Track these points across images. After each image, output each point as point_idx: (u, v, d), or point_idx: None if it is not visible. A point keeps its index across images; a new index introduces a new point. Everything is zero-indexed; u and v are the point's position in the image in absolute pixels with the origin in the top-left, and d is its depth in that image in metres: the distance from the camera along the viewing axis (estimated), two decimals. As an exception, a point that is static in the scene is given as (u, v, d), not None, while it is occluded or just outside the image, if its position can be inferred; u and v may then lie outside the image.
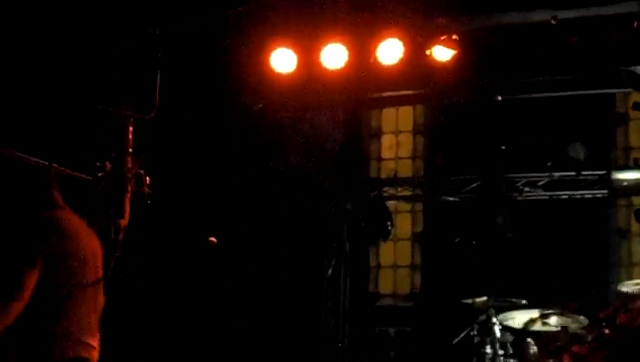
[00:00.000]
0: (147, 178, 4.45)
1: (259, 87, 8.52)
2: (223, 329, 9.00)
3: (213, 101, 8.57)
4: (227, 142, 8.92)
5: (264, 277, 9.36)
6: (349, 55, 7.89)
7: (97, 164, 4.10)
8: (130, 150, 4.56)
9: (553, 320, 8.09)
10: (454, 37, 7.26)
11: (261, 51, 8.07)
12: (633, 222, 9.62)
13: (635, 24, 6.85)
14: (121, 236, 4.24)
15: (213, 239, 4.70)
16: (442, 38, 7.18)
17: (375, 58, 7.83)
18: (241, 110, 8.84)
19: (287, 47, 7.96)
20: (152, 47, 5.48)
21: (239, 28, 7.98)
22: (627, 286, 8.15)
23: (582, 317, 7.95)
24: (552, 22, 7.10)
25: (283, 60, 8.03)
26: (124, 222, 4.30)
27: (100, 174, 4.08)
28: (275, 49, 7.98)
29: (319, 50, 7.90)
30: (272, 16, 7.90)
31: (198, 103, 8.46)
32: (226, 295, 9.08)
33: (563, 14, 7.25)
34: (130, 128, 4.71)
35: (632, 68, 6.64)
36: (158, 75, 5.25)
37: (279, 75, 8.12)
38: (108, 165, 4.15)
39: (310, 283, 9.99)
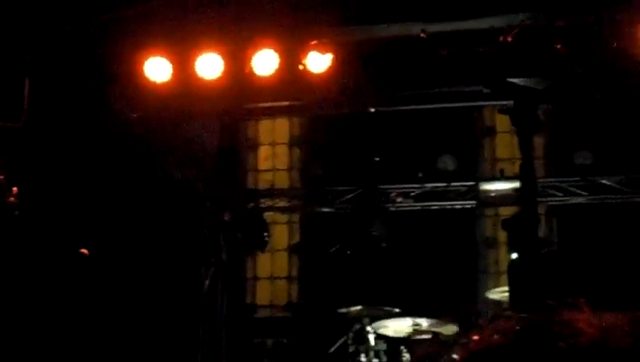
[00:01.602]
0: (13, 188, 4.33)
1: (134, 96, 8.40)
2: (96, 343, 8.78)
3: (89, 109, 8.40)
4: (102, 151, 8.75)
5: (140, 289, 9.20)
6: (225, 65, 7.89)
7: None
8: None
9: (425, 327, 8.27)
10: (325, 41, 7.36)
11: (136, 60, 7.98)
12: (500, 231, 9.95)
13: (502, 39, 7.12)
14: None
15: (84, 251, 4.60)
16: (313, 42, 7.27)
17: (250, 68, 7.86)
18: (117, 119, 8.69)
19: (162, 56, 7.89)
20: (20, 50, 5.34)
21: (115, 35, 7.86)
22: (495, 294, 8.43)
23: (452, 323, 8.16)
24: (422, 35, 7.30)
25: (158, 69, 7.95)
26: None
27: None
28: (149, 58, 7.90)
29: (194, 59, 7.87)
30: (147, 25, 7.82)
31: (74, 111, 8.28)
32: (100, 307, 8.88)
33: (434, 28, 7.46)
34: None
35: (500, 81, 6.88)
36: (27, 81, 5.11)
37: (154, 84, 8.04)
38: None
39: (187, 295, 9.88)
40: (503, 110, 5.81)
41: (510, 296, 5.75)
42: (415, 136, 10.22)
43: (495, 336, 1.50)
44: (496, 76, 6.54)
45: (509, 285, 5.20)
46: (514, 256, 5.92)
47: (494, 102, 8.02)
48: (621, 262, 6.38)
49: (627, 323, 1.50)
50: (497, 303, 8.25)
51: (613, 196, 9.67)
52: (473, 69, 7.35)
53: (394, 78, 7.98)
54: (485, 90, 7.04)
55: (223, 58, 7.88)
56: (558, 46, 6.18)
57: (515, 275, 4.75)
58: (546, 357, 1.42)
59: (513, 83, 4.64)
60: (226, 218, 10.36)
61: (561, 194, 9.96)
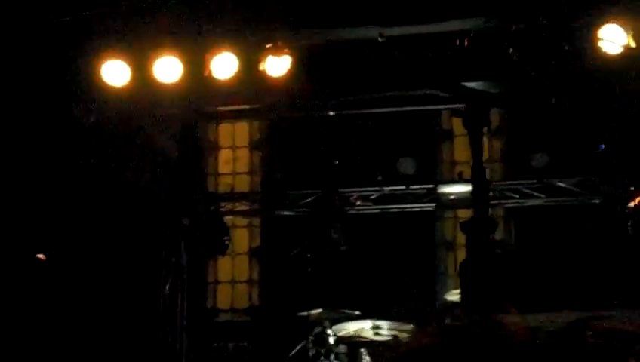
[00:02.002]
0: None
1: (93, 99, 8.35)
2: (57, 348, 8.71)
3: (47, 113, 8.34)
4: (60, 156, 8.68)
5: (99, 294, 9.14)
6: (184, 68, 7.88)
7: None
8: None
9: (385, 329, 8.32)
10: (284, 44, 7.38)
11: (94, 63, 7.93)
12: (459, 234, 10.04)
13: (458, 42, 7.20)
14: None
15: (41, 256, 4.57)
16: (271, 46, 7.29)
17: (209, 72, 7.86)
18: (75, 123, 8.63)
19: (120, 59, 7.85)
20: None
21: (72, 38, 7.81)
22: (453, 296, 8.50)
23: (411, 325, 8.22)
24: (380, 39, 7.35)
25: (116, 73, 7.91)
26: None
27: None
28: (106, 61, 7.86)
29: (153, 62, 7.84)
30: (104, 28, 7.78)
31: (32, 115, 8.21)
32: (60, 313, 8.81)
33: (391, 32, 7.52)
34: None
35: (454, 85, 6.96)
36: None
37: (113, 87, 7.99)
38: None
39: (147, 300, 9.84)
40: (455, 113, 5.87)
41: (461, 297, 5.80)
42: (374, 140, 10.27)
43: (424, 339, 1.53)
44: (450, 80, 6.61)
45: (460, 286, 5.25)
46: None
47: (448, 106, 8.10)
48: (575, 263, 6.48)
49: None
50: (456, 305, 8.33)
51: (569, 198, 9.81)
52: (429, 73, 7.42)
53: (352, 81, 8.02)
54: (440, 94, 7.11)
55: (182, 61, 7.87)
56: (511, 50, 6.25)
57: (466, 277, 4.81)
58: (470, 357, 1.45)
59: (465, 86, 4.70)
60: (185, 222, 10.32)
61: (518, 197, 10.08)
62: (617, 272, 5.24)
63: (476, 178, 4.03)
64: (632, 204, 7.58)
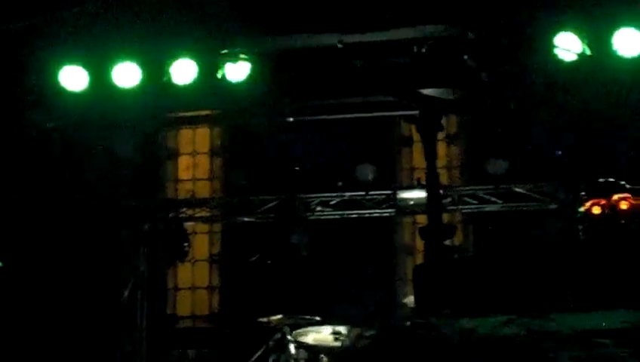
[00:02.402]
0: None
1: (50, 105, 8.31)
2: (15, 355, 8.63)
3: (3, 119, 8.27)
4: (17, 162, 8.61)
5: (59, 301, 9.08)
6: (143, 74, 7.87)
7: None
8: None
9: (345, 335, 8.33)
10: (243, 51, 7.42)
11: (51, 68, 7.89)
12: (418, 239, 10.11)
13: (416, 49, 7.28)
14: None
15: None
16: (231, 52, 7.32)
17: (169, 77, 7.86)
18: (33, 129, 8.57)
19: (78, 65, 7.83)
20: None
21: (29, 43, 7.76)
22: (412, 301, 8.55)
23: (372, 331, 8.25)
24: (339, 45, 7.41)
25: (73, 78, 7.88)
26: None
27: None
28: (64, 66, 7.82)
29: (111, 68, 7.82)
30: (62, 33, 7.75)
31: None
32: (20, 320, 8.73)
33: (350, 39, 7.58)
34: None
35: (411, 91, 7.01)
36: None
37: (71, 93, 7.96)
38: None
39: (107, 307, 9.78)
40: (409, 119, 5.94)
41: (415, 302, 5.84)
42: (335, 146, 10.32)
43: (360, 341, 1.57)
44: (407, 86, 6.68)
45: (414, 292, 5.30)
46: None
47: (404, 112, 8.16)
48: (531, 267, 6.55)
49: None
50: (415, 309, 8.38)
51: (526, 203, 9.94)
52: (386, 79, 7.49)
53: (311, 87, 8.08)
54: (395, 100, 7.18)
55: (141, 67, 7.86)
56: (465, 57, 6.34)
57: (420, 282, 4.86)
58: (402, 358, 1.49)
59: (419, 93, 4.77)
60: (145, 228, 10.28)
61: (476, 202, 10.19)
62: (573, 276, 5.32)
63: (430, 184, 4.09)
64: (582, 210, 7.72)
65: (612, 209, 8.22)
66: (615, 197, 8.28)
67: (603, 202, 8.24)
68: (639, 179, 8.84)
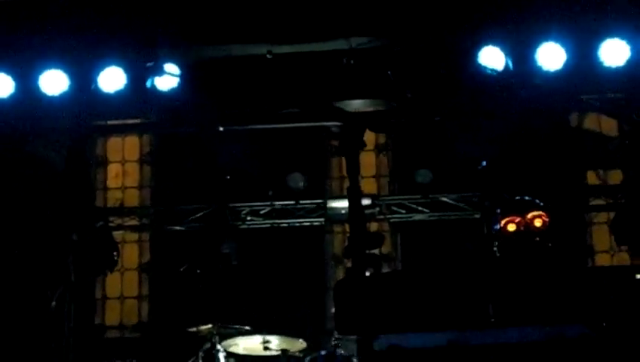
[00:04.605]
0: None
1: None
2: None
3: None
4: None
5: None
6: (70, 81, 7.81)
7: None
8: None
9: (274, 344, 8.36)
10: (173, 59, 7.42)
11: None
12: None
13: (345, 61, 7.37)
14: None
15: None
16: (160, 61, 7.31)
17: (97, 85, 7.81)
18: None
19: (2, 71, 7.73)
20: None
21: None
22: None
23: (300, 340, 8.29)
24: (268, 56, 7.46)
25: (-1, 84, 7.78)
26: None
27: None
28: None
29: (38, 74, 7.74)
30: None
31: None
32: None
33: (279, 49, 7.64)
34: None
35: (341, 102, 7.12)
36: None
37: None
38: None
39: (34, 316, 9.64)
40: (330, 135, 6.01)
41: (335, 316, 5.87)
42: (265, 154, 10.35)
43: None
44: (330, 99, 6.77)
45: (335, 306, 5.34)
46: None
47: (327, 124, 8.28)
48: (455, 279, 6.65)
49: None
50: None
51: (452, 213, 10.13)
52: (314, 90, 7.57)
53: (241, 96, 8.11)
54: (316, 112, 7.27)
55: (68, 74, 7.79)
56: (389, 72, 6.46)
57: (340, 296, 4.91)
58: None
59: (341, 109, 4.84)
60: (74, 237, 10.15)
61: (403, 211, 10.34)
62: (494, 289, 5.43)
63: (352, 199, 4.15)
64: (498, 226, 7.89)
65: (527, 226, 8.44)
66: (530, 214, 8.51)
67: (518, 219, 8.45)
68: (556, 195, 9.14)
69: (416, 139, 10.05)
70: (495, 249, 7.41)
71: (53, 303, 9.89)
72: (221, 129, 8.72)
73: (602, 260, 10.41)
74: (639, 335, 4.78)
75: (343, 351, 7.97)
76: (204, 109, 8.42)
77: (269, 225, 10.47)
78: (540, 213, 8.50)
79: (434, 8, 7.18)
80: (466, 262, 7.70)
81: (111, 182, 11.27)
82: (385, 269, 10.08)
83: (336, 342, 8.02)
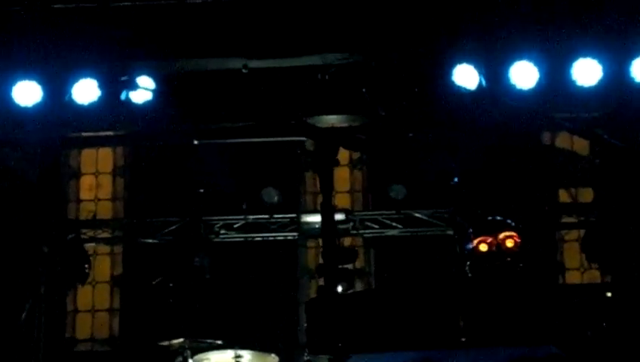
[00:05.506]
0: None
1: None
2: None
3: None
4: None
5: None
6: (44, 92, 7.77)
7: None
8: None
9: (246, 359, 8.33)
10: (148, 73, 7.42)
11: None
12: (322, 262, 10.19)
13: (319, 76, 7.41)
14: None
15: None
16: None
17: (70, 97, 7.78)
18: None
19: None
20: None
21: None
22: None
23: (273, 354, 8.28)
24: (244, 70, 7.48)
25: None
26: None
27: None
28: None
29: (11, 85, 7.71)
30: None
31: None
32: None
33: (255, 64, 7.66)
34: None
35: (314, 117, 7.15)
36: None
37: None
38: None
39: (3, 329, 9.56)
40: (303, 151, 6.03)
41: (307, 336, 5.85)
42: (239, 168, 10.35)
43: None
44: (308, 112, 6.80)
45: (306, 325, 5.33)
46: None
47: (301, 138, 8.31)
48: (422, 300, 6.67)
49: None
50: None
51: (425, 229, 10.18)
52: (289, 105, 7.60)
53: (215, 110, 8.12)
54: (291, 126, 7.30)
55: (42, 85, 7.76)
56: (364, 90, 6.50)
57: (312, 315, 4.90)
58: None
59: (315, 127, 4.88)
60: (45, 249, 10.09)
61: (377, 227, 10.37)
62: (466, 310, 5.44)
63: (325, 215, 4.17)
64: (470, 246, 7.96)
65: (498, 247, 8.51)
66: (502, 235, 8.58)
67: (490, 240, 8.52)
68: (528, 212, 9.22)
69: (390, 155, 10.09)
70: (467, 269, 7.45)
71: (24, 315, 9.81)
72: (196, 142, 8.72)
73: (573, 277, 10.50)
74: (611, 352, 4.83)
75: (315, 368, 7.96)
76: (179, 122, 8.42)
77: (242, 239, 10.46)
78: (512, 233, 8.58)
79: (408, 26, 7.24)
80: (438, 282, 7.74)
81: (84, 194, 11.21)
82: (358, 284, 10.13)
83: (308, 358, 8.02)
